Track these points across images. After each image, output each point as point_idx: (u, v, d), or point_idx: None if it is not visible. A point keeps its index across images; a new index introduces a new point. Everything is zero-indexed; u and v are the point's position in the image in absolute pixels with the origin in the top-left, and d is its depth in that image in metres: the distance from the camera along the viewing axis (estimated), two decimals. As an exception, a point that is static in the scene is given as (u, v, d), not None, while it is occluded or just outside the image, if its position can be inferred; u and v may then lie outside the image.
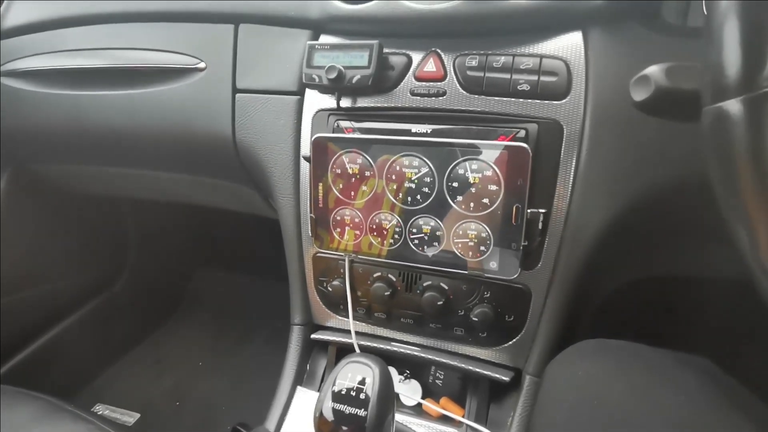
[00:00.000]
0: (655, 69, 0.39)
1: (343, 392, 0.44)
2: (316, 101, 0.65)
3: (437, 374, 0.71)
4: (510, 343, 0.63)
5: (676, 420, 0.43)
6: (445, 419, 0.67)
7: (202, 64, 0.71)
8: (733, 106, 0.29)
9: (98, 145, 0.85)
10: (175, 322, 1.39)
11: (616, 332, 0.58)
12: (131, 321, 1.31)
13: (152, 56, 0.74)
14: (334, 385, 0.44)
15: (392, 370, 0.72)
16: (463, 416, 0.65)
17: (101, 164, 0.94)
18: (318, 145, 0.60)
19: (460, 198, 0.55)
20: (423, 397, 0.69)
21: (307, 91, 0.65)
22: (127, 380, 1.22)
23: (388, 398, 0.44)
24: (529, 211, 0.54)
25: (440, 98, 0.58)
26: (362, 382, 0.44)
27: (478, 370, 0.64)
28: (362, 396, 0.43)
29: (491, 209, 0.54)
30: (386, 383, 0.44)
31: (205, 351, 1.30)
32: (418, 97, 0.59)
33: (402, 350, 0.68)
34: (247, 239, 1.43)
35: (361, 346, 0.67)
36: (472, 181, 0.54)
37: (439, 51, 0.58)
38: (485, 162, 0.54)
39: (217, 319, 1.38)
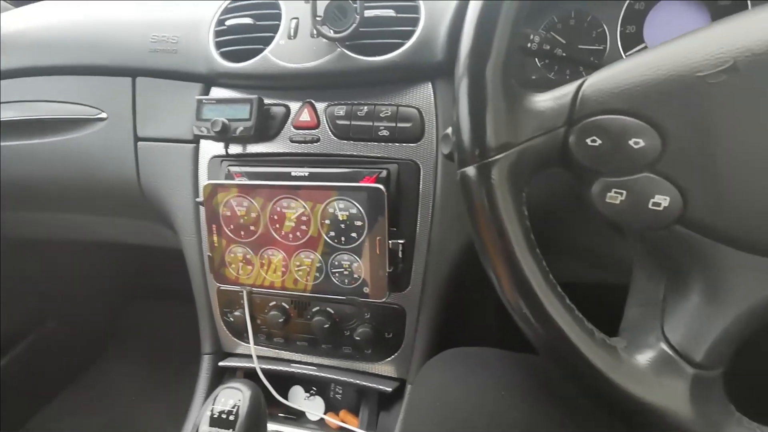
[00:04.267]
0: (450, 129, 0.47)
1: (215, 415, 0.50)
2: (209, 148, 0.71)
3: (337, 389, 0.78)
4: (392, 356, 0.70)
5: (509, 418, 0.52)
6: (343, 430, 0.73)
7: (103, 114, 0.77)
8: (471, 171, 0.37)
9: (16, 191, 0.88)
10: (109, 358, 1.40)
11: (500, 338, 0.65)
12: (63, 360, 1.30)
13: (59, 107, 0.79)
14: (209, 409, 0.50)
15: (299, 389, 0.79)
16: (357, 426, 0.72)
17: (19, 210, 0.97)
18: (208, 191, 0.66)
19: (332, 233, 0.63)
20: (325, 412, 0.76)
21: (201, 139, 0.71)
22: (62, 419, 1.22)
23: (256, 418, 0.50)
24: (390, 242, 0.62)
25: (315, 144, 0.66)
26: (234, 405, 0.50)
27: (365, 383, 0.71)
28: (232, 417, 0.49)
29: (359, 242, 0.62)
30: (255, 405, 0.50)
31: (140, 384, 1.31)
32: (297, 144, 0.66)
33: (301, 370, 0.74)
34: (178, 271, 1.45)
35: (264, 370, 0.73)
36: (341, 218, 0.62)
37: (312, 102, 0.66)
38: (350, 201, 0.61)
39: (152, 352, 1.39)
